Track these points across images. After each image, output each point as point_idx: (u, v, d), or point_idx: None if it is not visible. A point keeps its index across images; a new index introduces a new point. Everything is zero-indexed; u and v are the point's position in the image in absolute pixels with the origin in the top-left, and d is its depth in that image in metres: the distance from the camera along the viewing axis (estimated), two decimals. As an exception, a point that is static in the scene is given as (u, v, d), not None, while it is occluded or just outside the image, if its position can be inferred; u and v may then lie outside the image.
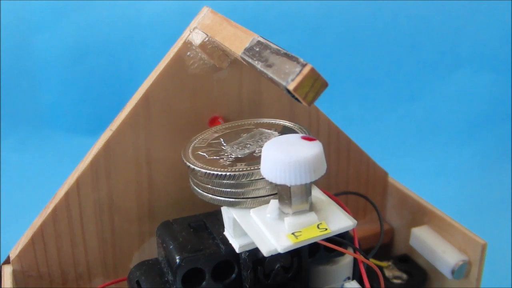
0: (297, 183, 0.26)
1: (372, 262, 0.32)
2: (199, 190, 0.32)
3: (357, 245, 0.34)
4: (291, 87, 0.24)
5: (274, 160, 0.26)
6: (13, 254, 0.36)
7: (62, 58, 0.96)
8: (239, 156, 0.32)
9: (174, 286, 0.31)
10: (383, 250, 0.47)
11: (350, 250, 0.34)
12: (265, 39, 0.28)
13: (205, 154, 0.32)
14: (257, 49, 0.28)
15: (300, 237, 0.27)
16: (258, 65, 0.27)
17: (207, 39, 0.34)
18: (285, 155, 0.26)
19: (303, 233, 0.27)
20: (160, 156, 0.37)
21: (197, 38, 0.35)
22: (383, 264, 0.44)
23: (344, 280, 0.35)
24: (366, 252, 0.37)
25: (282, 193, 0.28)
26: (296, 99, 0.25)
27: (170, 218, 0.34)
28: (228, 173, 0.29)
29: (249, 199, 0.30)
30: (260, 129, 0.35)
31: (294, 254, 0.33)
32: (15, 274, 0.36)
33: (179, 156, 0.33)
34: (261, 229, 0.28)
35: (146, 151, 0.37)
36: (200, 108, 0.37)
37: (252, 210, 0.29)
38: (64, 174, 0.38)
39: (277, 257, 0.32)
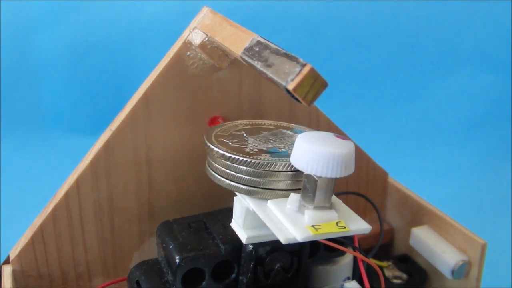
0: (327, 176, 0.27)
1: (372, 261, 0.32)
2: (216, 175, 0.32)
3: (357, 245, 0.34)
4: (290, 87, 0.24)
5: (307, 149, 0.27)
6: (13, 254, 0.36)
7: (62, 58, 0.96)
8: (263, 148, 0.32)
9: (174, 286, 0.31)
10: (383, 250, 0.47)
11: (350, 250, 0.34)
12: (265, 39, 0.28)
13: (228, 141, 0.33)
14: (257, 49, 0.28)
15: (320, 230, 0.27)
16: (258, 65, 0.27)
17: (207, 39, 0.34)
18: (320, 146, 0.27)
19: (323, 227, 0.27)
20: (160, 156, 0.37)
21: (197, 38, 0.35)
22: (383, 264, 0.44)
23: (344, 280, 0.35)
24: (366, 252, 0.37)
25: (307, 186, 0.28)
26: (296, 99, 0.25)
27: (170, 218, 0.34)
28: (253, 160, 0.30)
29: (267, 190, 0.30)
30: (281, 129, 0.36)
31: (294, 254, 0.33)
32: (15, 274, 0.36)
33: (179, 156, 0.33)
34: (279, 219, 0.28)
35: (146, 151, 0.37)
36: (200, 108, 0.37)
37: (270, 201, 0.29)
38: (64, 174, 0.38)
39: (277, 257, 0.32)
